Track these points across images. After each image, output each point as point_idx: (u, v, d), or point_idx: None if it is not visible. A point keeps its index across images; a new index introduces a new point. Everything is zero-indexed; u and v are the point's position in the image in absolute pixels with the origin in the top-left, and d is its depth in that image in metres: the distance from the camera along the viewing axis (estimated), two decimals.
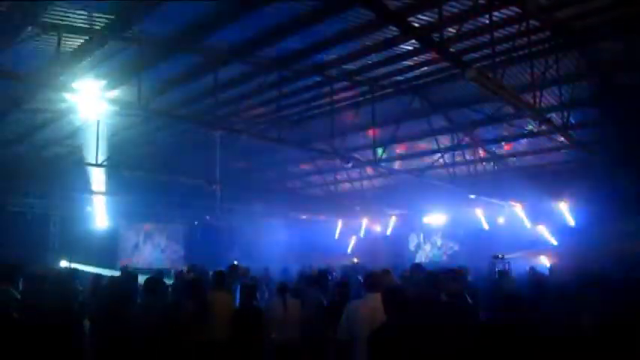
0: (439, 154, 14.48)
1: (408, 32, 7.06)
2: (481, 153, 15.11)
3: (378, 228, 21.29)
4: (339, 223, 22.22)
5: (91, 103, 10.48)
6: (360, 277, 8.99)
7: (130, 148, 14.40)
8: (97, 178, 15.09)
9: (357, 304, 5.97)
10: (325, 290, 7.75)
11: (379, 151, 13.17)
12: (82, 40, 8.19)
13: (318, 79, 10.76)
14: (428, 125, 13.14)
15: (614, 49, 9.31)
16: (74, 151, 14.51)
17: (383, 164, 13.97)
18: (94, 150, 12.16)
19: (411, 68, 10.33)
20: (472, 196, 14.70)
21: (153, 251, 20.90)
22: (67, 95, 10.03)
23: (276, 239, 19.97)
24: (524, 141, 14.37)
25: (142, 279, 7.62)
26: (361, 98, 12.01)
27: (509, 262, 13.32)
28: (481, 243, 16.82)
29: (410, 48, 9.25)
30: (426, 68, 10.33)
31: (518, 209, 16.66)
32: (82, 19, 7.63)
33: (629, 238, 13.01)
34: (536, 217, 16.43)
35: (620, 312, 4.97)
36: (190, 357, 6.45)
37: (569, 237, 15.21)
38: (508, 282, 10.71)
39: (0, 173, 14.28)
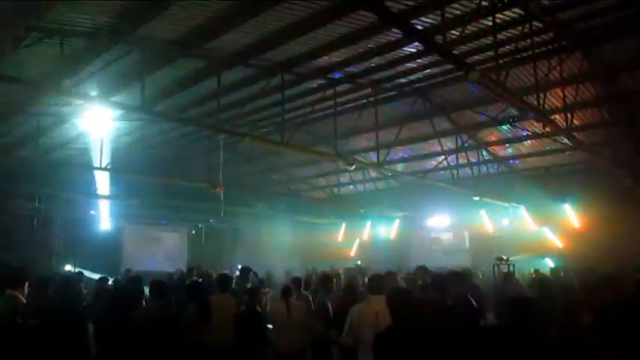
0: (443, 156, 14.46)
1: (411, 35, 7.07)
2: (485, 155, 15.10)
3: (381, 230, 21.25)
4: (343, 226, 22.19)
5: (94, 106, 10.52)
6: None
7: (134, 151, 14.44)
8: (101, 181, 15.14)
9: (360, 307, 5.97)
10: (330, 293, 7.73)
11: (382, 153, 13.17)
12: (85, 45, 8.21)
13: (321, 81, 10.77)
14: (431, 127, 13.13)
15: (618, 50, 9.28)
16: (78, 154, 14.56)
17: (386, 166, 13.95)
18: (98, 153, 12.20)
19: (414, 70, 10.33)
20: (476, 198, 14.68)
21: (157, 254, 20.90)
22: (71, 99, 10.06)
23: (279, 242, 19.96)
24: (528, 142, 14.35)
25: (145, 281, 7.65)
26: (364, 101, 12.01)
27: (513, 264, 13.28)
28: (485, 245, 16.78)
29: (413, 50, 9.25)
30: (429, 70, 10.33)
31: (522, 211, 16.62)
32: (85, 23, 7.66)
33: (634, 239, 12.97)
34: (540, 219, 16.38)
35: (625, 315, 4.94)
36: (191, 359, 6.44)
37: (574, 239, 15.17)
38: (512, 284, 10.69)
39: (5, 177, 14.34)
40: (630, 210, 13.47)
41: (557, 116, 10.18)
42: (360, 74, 10.42)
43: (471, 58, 9.02)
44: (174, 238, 21.75)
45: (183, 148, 15.44)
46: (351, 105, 12.23)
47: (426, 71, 10.38)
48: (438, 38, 6.87)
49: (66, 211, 17.37)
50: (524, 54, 8.66)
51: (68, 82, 8.56)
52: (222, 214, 16.36)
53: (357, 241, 21.79)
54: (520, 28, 8.22)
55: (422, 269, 9.79)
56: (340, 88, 11.01)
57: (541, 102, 8.70)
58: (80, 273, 12.20)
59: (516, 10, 7.89)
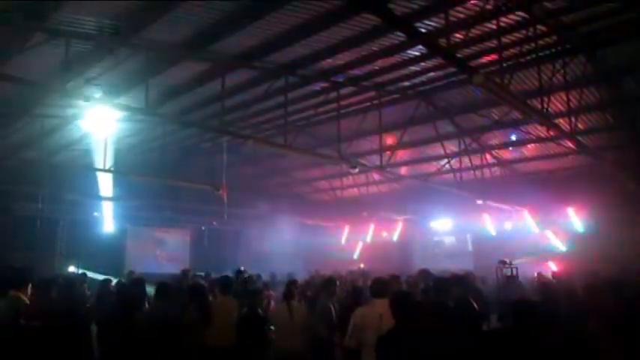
0: (446, 160, 14.45)
1: (414, 38, 7.08)
2: (488, 158, 15.08)
3: (384, 233, 21.23)
4: (346, 229, 22.18)
5: (99, 108, 10.54)
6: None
7: (138, 153, 14.47)
8: (105, 183, 15.17)
9: (364, 310, 5.97)
10: (333, 296, 7.72)
11: (385, 156, 13.17)
12: (90, 47, 8.25)
13: (324, 84, 10.78)
14: (435, 130, 13.12)
15: (622, 53, 9.27)
16: (82, 156, 14.60)
17: (389, 169, 13.95)
18: (102, 155, 12.23)
19: (417, 73, 10.32)
20: (479, 202, 14.65)
21: (160, 256, 20.91)
22: (75, 101, 10.09)
23: (282, 245, 19.95)
24: (531, 146, 14.33)
25: (148, 283, 7.66)
26: (368, 104, 12.01)
27: (516, 268, 13.25)
28: (488, 248, 16.74)
29: (417, 53, 9.26)
30: (432, 74, 10.33)
31: (525, 215, 16.58)
32: (90, 25, 7.69)
33: (637, 243, 12.94)
34: (544, 222, 16.35)
35: (633, 319, 4.93)
36: None
37: (578, 242, 15.14)
38: (515, 288, 10.68)
39: (9, 178, 14.39)
40: (634, 213, 13.44)
41: (560, 120, 10.15)
42: (363, 77, 10.43)
43: (474, 61, 9.02)
44: (176, 239, 21.76)
45: (187, 150, 15.47)
46: (355, 108, 12.23)
47: (430, 74, 10.37)
48: (442, 41, 6.87)
49: (69, 213, 17.40)
50: (528, 57, 8.67)
51: (72, 84, 8.60)
52: (226, 216, 16.36)
53: (360, 244, 21.78)
54: (524, 31, 8.23)
55: (424, 272, 9.79)
56: (344, 90, 11.01)
57: (545, 105, 8.68)
58: (83, 274, 12.21)
59: (520, 13, 7.89)
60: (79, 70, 8.69)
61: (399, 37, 8.41)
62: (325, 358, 7.12)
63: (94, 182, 15.04)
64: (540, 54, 8.51)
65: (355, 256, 21.53)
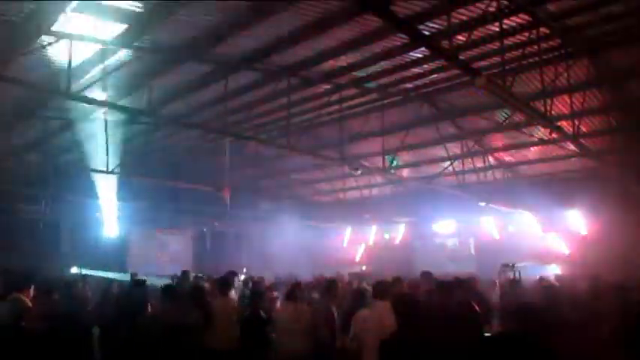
0: (448, 162, 14.43)
1: (417, 40, 7.06)
2: (491, 160, 15.06)
3: (387, 236, 21.21)
4: (348, 231, 22.17)
5: (102, 110, 10.57)
6: None
7: (140, 155, 14.48)
8: (108, 185, 15.18)
9: (365, 312, 5.96)
10: (334, 299, 7.70)
11: (388, 158, 13.15)
12: (93, 49, 8.26)
13: (327, 86, 10.77)
14: (437, 133, 13.10)
15: (625, 56, 9.25)
16: (85, 158, 14.61)
17: (392, 171, 13.94)
18: (105, 157, 12.24)
19: (420, 75, 10.31)
20: (482, 204, 14.63)
21: (162, 258, 20.91)
22: (78, 103, 10.11)
23: (284, 246, 19.93)
24: (534, 148, 14.30)
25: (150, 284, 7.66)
26: (370, 105, 12.01)
27: (519, 271, 13.21)
28: (491, 251, 16.71)
29: (419, 55, 9.24)
30: (435, 76, 10.31)
31: (528, 217, 16.55)
32: (93, 28, 7.70)
33: None
34: (546, 225, 16.31)
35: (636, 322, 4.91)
36: None
37: (581, 245, 15.10)
38: (519, 291, 10.63)
39: (13, 180, 14.40)
40: (637, 216, 13.39)
41: (563, 123, 10.13)
42: (366, 79, 10.42)
43: (477, 63, 9.00)
44: (178, 241, 21.76)
45: (190, 152, 15.48)
46: (357, 110, 12.22)
47: (433, 76, 10.36)
48: (445, 43, 6.86)
49: (72, 215, 17.41)
50: (531, 60, 8.65)
51: (75, 86, 8.61)
52: (227, 217, 16.37)
53: (362, 246, 21.77)
54: (527, 34, 8.21)
55: (427, 275, 9.77)
56: (346, 92, 11.01)
57: (548, 108, 8.67)
58: (86, 276, 12.22)
59: (523, 15, 7.87)
60: (82, 72, 8.69)
61: (401, 38, 8.40)
62: None
63: (97, 184, 15.04)
64: (543, 57, 8.50)
65: (357, 259, 21.52)
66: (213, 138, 14.05)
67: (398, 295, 5.25)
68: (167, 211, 19.12)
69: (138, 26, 7.60)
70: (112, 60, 8.62)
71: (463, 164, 14.43)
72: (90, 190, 15.44)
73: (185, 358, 6.10)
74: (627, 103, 10.81)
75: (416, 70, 10.05)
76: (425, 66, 9.80)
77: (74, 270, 15.97)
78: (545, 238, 16.33)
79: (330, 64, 9.63)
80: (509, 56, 8.44)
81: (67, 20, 7.23)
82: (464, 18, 7.75)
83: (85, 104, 9.83)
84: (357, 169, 12.19)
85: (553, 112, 9.20)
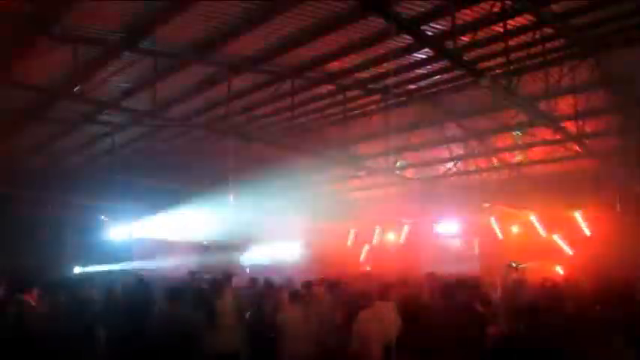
0: (452, 162, 14.42)
1: (421, 41, 7.07)
2: (495, 161, 15.03)
3: (391, 236, 21.18)
4: (352, 231, 22.14)
5: (106, 112, 10.61)
6: None
7: (145, 156, 14.51)
8: (113, 187, 15.22)
9: (366, 313, 5.97)
10: (338, 300, 7.72)
11: (392, 159, 13.15)
12: (97, 51, 8.29)
13: (331, 87, 10.78)
14: (441, 133, 13.09)
15: (630, 57, 9.21)
16: (91, 160, 14.68)
17: (396, 172, 13.94)
18: (111, 159, 12.30)
19: (424, 76, 10.30)
20: (486, 205, 14.60)
21: (167, 258, 20.90)
22: (83, 105, 10.16)
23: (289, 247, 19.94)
24: (538, 149, 14.27)
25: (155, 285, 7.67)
26: (374, 107, 12.01)
27: (523, 272, 13.17)
28: (495, 252, 16.67)
29: (423, 56, 9.24)
30: (439, 76, 10.31)
31: (532, 218, 16.50)
32: (98, 30, 7.73)
33: None
34: (550, 225, 16.26)
35: None
36: None
37: (585, 246, 15.05)
38: (523, 291, 10.62)
39: (17, 182, 14.44)
40: None
41: (568, 123, 10.11)
42: (370, 80, 10.42)
43: (481, 64, 9.00)
44: (182, 241, 21.74)
45: (194, 153, 15.49)
46: (361, 110, 12.22)
47: (437, 77, 10.35)
48: (449, 44, 6.86)
49: (77, 216, 17.44)
50: (535, 60, 8.64)
51: (80, 88, 8.65)
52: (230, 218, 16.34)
53: (366, 247, 21.73)
54: (531, 34, 8.20)
55: (431, 276, 9.78)
56: (350, 93, 11.01)
57: (552, 108, 8.65)
58: (91, 278, 12.24)
59: (527, 16, 7.86)
60: (87, 74, 8.73)
61: (405, 39, 8.40)
62: None
63: (102, 186, 15.09)
64: (548, 57, 8.49)
65: (361, 259, 21.48)
66: (217, 139, 14.07)
67: (404, 298, 5.26)
68: (171, 211, 19.10)
69: (142, 28, 7.62)
70: (117, 61, 8.65)
71: (467, 165, 14.40)
72: (95, 192, 15.50)
73: (190, 358, 6.12)
74: (632, 104, 10.78)
75: (420, 71, 10.05)
76: (429, 67, 9.80)
77: (79, 271, 16.07)
78: (549, 238, 16.28)
79: (334, 65, 9.63)
80: (514, 57, 8.43)
81: (72, 22, 7.28)
82: (468, 19, 7.75)
83: (89, 106, 9.92)
84: (361, 170, 12.19)
85: (557, 113, 9.20)
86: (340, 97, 11.04)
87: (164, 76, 9.22)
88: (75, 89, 8.60)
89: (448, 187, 14.65)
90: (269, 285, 10.65)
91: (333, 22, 7.81)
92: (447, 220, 18.94)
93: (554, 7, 7.72)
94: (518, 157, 14.74)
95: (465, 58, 7.58)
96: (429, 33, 7.85)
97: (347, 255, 21.08)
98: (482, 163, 14.65)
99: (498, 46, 8.47)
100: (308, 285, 8.22)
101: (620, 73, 9.69)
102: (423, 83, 10.70)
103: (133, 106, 10.04)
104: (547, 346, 4.37)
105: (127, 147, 13.66)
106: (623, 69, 9.59)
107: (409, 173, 16.64)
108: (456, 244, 19.68)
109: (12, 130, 12.03)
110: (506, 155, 15.09)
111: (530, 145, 13.87)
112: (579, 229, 15.56)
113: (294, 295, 7.42)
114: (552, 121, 8.72)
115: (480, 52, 8.77)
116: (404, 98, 11.51)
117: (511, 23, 7.83)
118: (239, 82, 9.93)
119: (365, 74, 10.14)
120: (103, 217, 17.81)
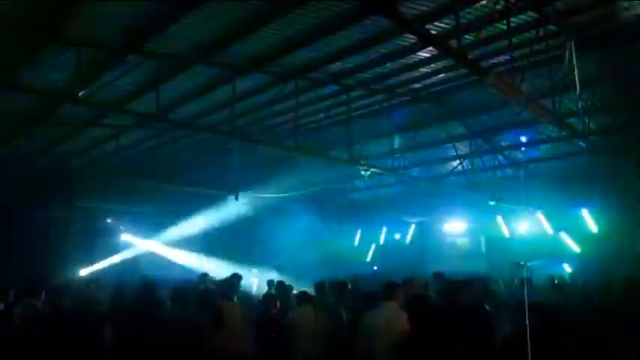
0: (458, 161, 14.38)
1: (425, 40, 7.05)
2: (500, 159, 14.97)
3: (397, 236, 21.16)
4: (358, 231, 22.12)
5: (110, 115, 10.63)
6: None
7: (149, 158, 14.55)
8: (118, 189, 15.27)
9: (372, 313, 5.95)
10: (345, 301, 7.71)
11: (397, 158, 13.13)
12: (101, 54, 8.31)
13: (334, 87, 10.76)
14: (446, 132, 13.06)
15: (635, 53, 9.16)
16: (95, 162, 14.72)
17: (401, 171, 13.92)
18: (115, 161, 12.34)
19: (428, 75, 10.28)
20: (492, 203, 14.56)
21: (173, 259, 20.94)
22: (86, 108, 10.18)
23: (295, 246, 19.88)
24: (544, 146, 14.21)
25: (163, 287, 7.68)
26: (378, 106, 11.99)
27: (531, 270, 13.15)
28: (502, 250, 16.63)
29: (427, 55, 9.22)
30: (443, 75, 10.28)
31: (539, 216, 16.45)
32: (101, 33, 7.74)
33: None
34: (557, 223, 16.21)
35: None
36: None
37: (592, 244, 14.99)
38: (529, 290, 10.55)
39: (22, 185, 14.50)
40: None
41: (573, 120, 10.06)
42: (373, 79, 10.40)
43: (485, 62, 8.96)
44: (188, 244, 21.78)
45: (198, 155, 15.51)
46: (365, 110, 12.21)
47: (441, 76, 10.32)
48: (452, 43, 6.84)
49: (82, 219, 17.50)
50: (539, 57, 8.60)
51: (84, 92, 8.68)
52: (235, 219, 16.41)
53: (372, 247, 21.71)
54: (535, 31, 8.16)
55: (438, 275, 9.75)
56: (354, 93, 11.00)
57: (557, 106, 8.61)
58: (97, 280, 12.27)
59: (531, 13, 7.83)
60: (91, 77, 8.75)
61: (409, 38, 8.38)
62: None
63: (107, 188, 15.14)
64: (552, 54, 8.44)
65: (368, 259, 21.47)
66: (221, 141, 14.10)
67: (412, 298, 5.25)
68: (178, 214, 19.13)
69: (146, 30, 7.64)
70: (121, 64, 8.67)
71: (472, 163, 14.36)
72: (100, 195, 15.56)
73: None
74: (637, 100, 10.72)
75: (424, 70, 10.02)
76: (433, 66, 9.77)
77: (84, 272, 16.14)
78: (556, 236, 16.22)
79: (337, 65, 9.62)
80: (518, 54, 8.39)
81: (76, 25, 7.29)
82: (471, 17, 7.73)
83: (93, 109, 9.95)
84: (366, 170, 12.17)
85: (562, 110, 9.16)
86: (344, 97, 11.03)
87: (167, 79, 9.23)
88: (79, 94, 8.59)
89: (454, 186, 14.59)
90: (280, 286, 10.68)
91: (337, 22, 7.80)
92: (454, 219, 18.93)
93: (558, 4, 7.68)
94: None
95: (469, 56, 7.54)
96: (433, 32, 7.83)
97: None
98: (487, 160, 14.60)
99: (502, 44, 8.44)
100: (320, 285, 8.21)
101: (624, 69, 9.65)
102: (427, 82, 10.67)
103: (137, 109, 10.05)
104: (555, 345, 4.35)
105: (131, 149, 13.71)
106: (628, 65, 9.56)
107: (415, 172, 16.60)
108: (463, 242, 19.68)
109: (17, 133, 12.09)
110: (512, 153, 15.04)
111: (536, 143, 13.84)
112: (586, 227, 15.51)
113: (303, 296, 7.42)
114: (557, 118, 8.66)
115: (483, 49, 8.75)
116: (408, 97, 11.49)
117: (514, 20, 7.79)
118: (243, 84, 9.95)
119: (369, 74, 10.12)
120: (109, 219, 17.84)
